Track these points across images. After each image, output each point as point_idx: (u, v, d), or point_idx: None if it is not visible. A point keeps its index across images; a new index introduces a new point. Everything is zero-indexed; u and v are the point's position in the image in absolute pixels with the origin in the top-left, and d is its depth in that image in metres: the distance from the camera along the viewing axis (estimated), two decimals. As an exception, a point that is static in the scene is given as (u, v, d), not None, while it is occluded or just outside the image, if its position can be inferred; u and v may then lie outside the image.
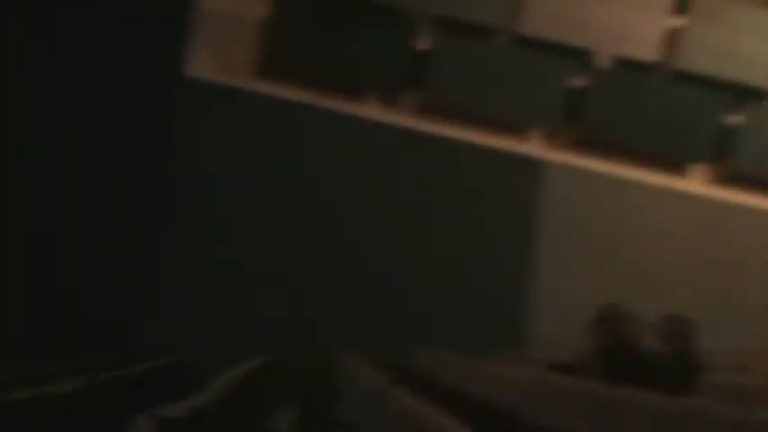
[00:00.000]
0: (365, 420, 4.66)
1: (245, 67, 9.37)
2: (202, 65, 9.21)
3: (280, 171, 9.35)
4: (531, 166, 9.52)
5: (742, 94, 9.68)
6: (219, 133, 9.23)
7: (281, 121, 9.36)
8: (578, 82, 9.63)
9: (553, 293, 9.32)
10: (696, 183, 9.70)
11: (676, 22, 9.67)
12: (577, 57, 9.63)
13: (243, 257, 9.18)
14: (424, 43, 9.58)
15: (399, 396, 3.99)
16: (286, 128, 9.38)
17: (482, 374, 5.87)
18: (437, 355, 7.52)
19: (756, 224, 9.59)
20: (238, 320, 9.03)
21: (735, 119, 9.68)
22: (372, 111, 9.54)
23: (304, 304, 9.16)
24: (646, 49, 9.64)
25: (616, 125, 9.64)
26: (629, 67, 9.68)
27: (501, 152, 9.50)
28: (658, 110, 9.61)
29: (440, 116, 9.57)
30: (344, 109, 9.44)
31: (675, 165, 9.72)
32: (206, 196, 9.24)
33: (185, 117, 9.20)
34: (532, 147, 9.63)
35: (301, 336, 9.00)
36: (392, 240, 9.39)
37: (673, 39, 9.68)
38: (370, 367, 5.71)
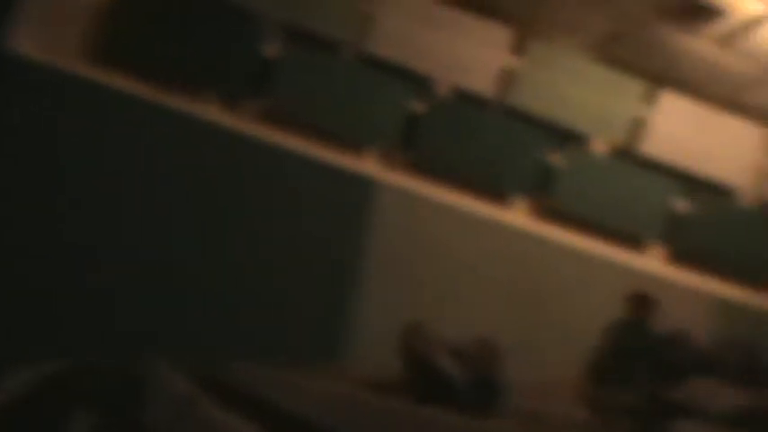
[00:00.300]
0: (171, 430, 4.54)
1: (76, 50, 8.95)
2: (28, 43, 8.71)
3: (108, 164, 8.98)
4: (363, 185, 9.67)
5: (564, 136, 10.31)
6: (44, 118, 8.75)
7: (113, 111, 9.00)
8: (417, 107, 9.89)
9: (372, 310, 9.48)
10: (517, 215, 10.20)
11: (512, 61, 10.16)
12: (418, 82, 9.90)
13: (51, 253, 8.72)
14: (271, 50, 9.52)
15: (207, 407, 3.93)
16: (117, 119, 9.03)
17: (295, 388, 5.87)
18: (250, 365, 7.45)
19: (569, 259, 10.21)
20: (40, 322, 8.56)
21: (556, 158, 10.28)
22: (212, 113, 9.37)
23: (116, 307, 8.82)
24: (482, 83, 10.05)
25: (448, 153, 9.97)
26: (465, 99, 10.06)
27: (335, 167, 9.59)
28: (487, 143, 10.04)
29: (279, 125, 9.54)
30: (182, 107, 9.21)
31: (499, 197, 10.19)
32: (22, 182, 8.73)
33: (4, 98, 8.66)
34: (367, 165, 9.79)
35: (109, 340, 8.66)
36: (216, 246, 9.23)
37: (507, 77, 10.16)
38: (180, 376, 5.58)
